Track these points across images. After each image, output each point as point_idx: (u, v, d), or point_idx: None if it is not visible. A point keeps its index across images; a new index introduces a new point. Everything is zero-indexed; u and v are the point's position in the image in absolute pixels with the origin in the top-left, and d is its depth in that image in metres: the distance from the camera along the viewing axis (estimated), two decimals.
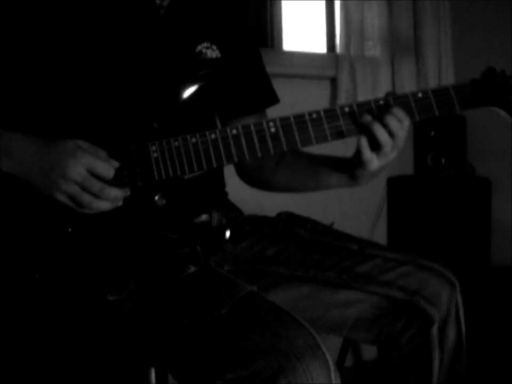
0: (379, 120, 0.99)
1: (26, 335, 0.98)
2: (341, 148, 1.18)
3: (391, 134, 0.99)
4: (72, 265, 0.96)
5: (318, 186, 1.21)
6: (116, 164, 0.96)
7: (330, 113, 1.00)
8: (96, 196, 0.93)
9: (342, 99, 2.22)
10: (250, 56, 1.28)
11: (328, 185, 1.18)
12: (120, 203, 0.96)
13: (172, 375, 1.01)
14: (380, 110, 1.00)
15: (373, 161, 1.01)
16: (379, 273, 1.14)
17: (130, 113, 1.01)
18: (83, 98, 1.03)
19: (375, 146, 1.00)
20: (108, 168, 0.94)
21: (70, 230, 0.96)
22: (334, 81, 2.27)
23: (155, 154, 0.97)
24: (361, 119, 0.99)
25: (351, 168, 1.09)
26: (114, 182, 0.95)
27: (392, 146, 1.00)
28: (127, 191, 0.96)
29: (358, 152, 1.02)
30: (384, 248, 1.20)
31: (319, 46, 2.44)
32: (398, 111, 0.99)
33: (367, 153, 1.01)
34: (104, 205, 0.94)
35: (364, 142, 1.00)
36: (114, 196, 0.94)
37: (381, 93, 2.26)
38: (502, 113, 1.02)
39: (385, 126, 0.99)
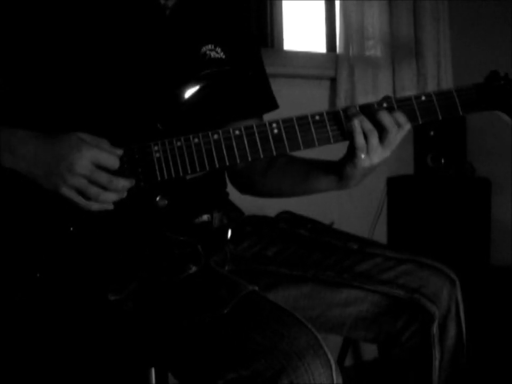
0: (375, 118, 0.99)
1: (27, 333, 0.98)
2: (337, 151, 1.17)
3: (384, 130, 0.99)
4: (73, 265, 0.96)
5: (308, 190, 1.20)
6: (120, 152, 0.96)
7: (333, 115, 1.00)
8: (104, 188, 0.94)
9: (342, 99, 2.22)
10: (253, 60, 1.28)
11: (317, 189, 1.18)
12: (125, 194, 0.96)
13: (173, 375, 1.01)
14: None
15: (364, 149, 1.00)
16: (379, 271, 1.14)
17: (134, 114, 1.01)
18: (87, 99, 1.03)
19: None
20: (113, 159, 0.95)
21: (72, 229, 0.96)
22: (333, 81, 2.27)
23: (157, 154, 0.97)
24: (348, 110, 0.99)
25: (341, 167, 1.08)
26: (119, 172, 0.95)
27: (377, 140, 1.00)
28: (132, 181, 0.97)
29: (351, 144, 1.01)
30: (384, 246, 1.20)
31: (319, 46, 2.44)
32: (400, 116, 0.99)
33: (360, 139, 0.99)
34: (111, 197, 0.95)
35: (357, 124, 0.99)
36: (122, 186, 0.95)
37: (381, 93, 2.27)
38: (504, 117, 1.02)
39: (378, 122, 0.99)
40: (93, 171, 0.93)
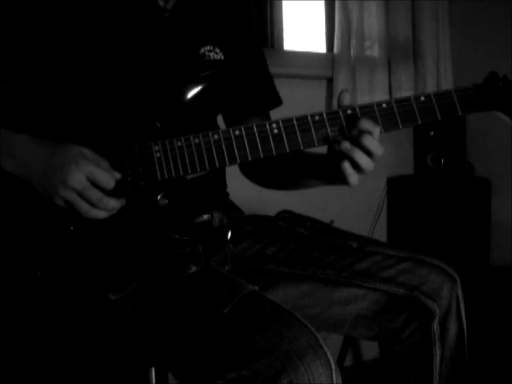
0: (357, 144, 0.98)
1: (27, 333, 0.98)
2: None
3: (370, 155, 0.98)
4: (73, 264, 0.96)
5: (299, 187, 1.24)
6: (118, 176, 0.97)
7: (333, 115, 1.00)
8: (94, 205, 0.94)
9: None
10: (254, 58, 1.28)
11: (307, 187, 1.21)
12: (115, 212, 0.97)
13: (173, 375, 1.01)
14: (380, 116, 1.00)
15: (355, 176, 1.00)
16: (379, 269, 1.14)
17: (134, 114, 1.01)
18: (87, 99, 1.03)
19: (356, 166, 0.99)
20: (108, 179, 0.95)
21: (72, 228, 0.97)
22: (330, 81, 2.28)
23: (158, 154, 0.98)
24: (340, 146, 0.98)
25: (329, 176, 1.07)
26: (113, 191, 0.96)
27: (373, 165, 0.99)
28: (123, 201, 0.97)
29: (341, 171, 1.00)
30: (384, 245, 1.20)
31: (319, 46, 2.45)
32: (368, 123, 0.98)
33: (351, 174, 0.99)
34: (100, 214, 0.95)
35: (347, 165, 0.98)
36: (112, 207, 0.95)
37: (378, 93, 2.28)
38: (504, 117, 1.02)
39: (363, 148, 0.98)
40: (86, 187, 0.93)
